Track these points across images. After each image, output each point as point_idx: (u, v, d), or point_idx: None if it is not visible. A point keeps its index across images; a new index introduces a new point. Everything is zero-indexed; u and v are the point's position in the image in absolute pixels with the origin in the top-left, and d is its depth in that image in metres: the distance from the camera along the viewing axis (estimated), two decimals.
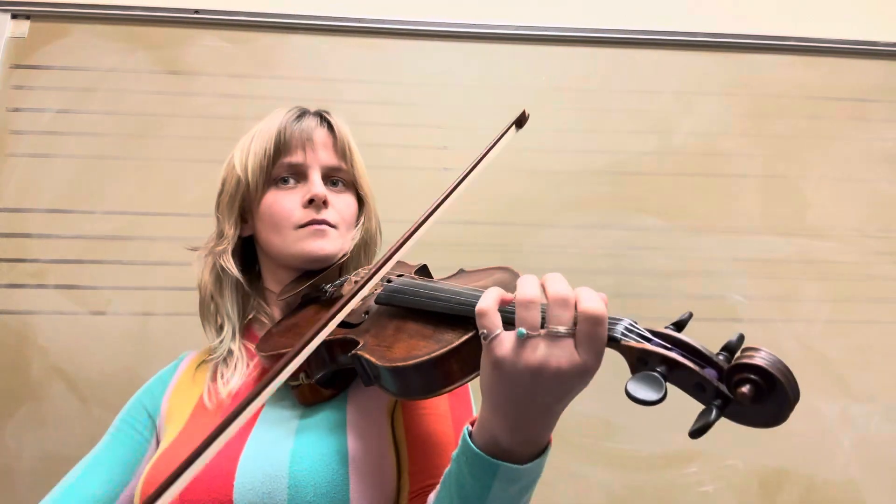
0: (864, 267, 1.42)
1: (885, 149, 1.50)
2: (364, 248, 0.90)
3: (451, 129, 1.44)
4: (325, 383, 0.72)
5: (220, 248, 0.83)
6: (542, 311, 0.49)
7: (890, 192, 1.47)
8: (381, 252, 0.92)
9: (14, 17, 1.43)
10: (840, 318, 1.39)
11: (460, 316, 0.58)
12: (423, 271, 0.82)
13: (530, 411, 0.50)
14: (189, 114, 1.41)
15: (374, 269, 0.61)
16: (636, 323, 0.49)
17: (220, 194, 0.87)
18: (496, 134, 0.72)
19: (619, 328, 0.48)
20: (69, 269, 1.32)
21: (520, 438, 0.51)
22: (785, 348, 1.36)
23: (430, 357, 0.55)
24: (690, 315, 0.51)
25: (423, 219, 0.65)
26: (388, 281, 0.73)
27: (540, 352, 0.47)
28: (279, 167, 0.82)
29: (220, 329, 0.84)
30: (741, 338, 0.46)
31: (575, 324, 0.48)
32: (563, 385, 0.48)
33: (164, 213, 1.35)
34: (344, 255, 0.85)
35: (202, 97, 1.42)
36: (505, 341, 0.49)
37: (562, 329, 0.47)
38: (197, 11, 1.45)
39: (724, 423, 0.43)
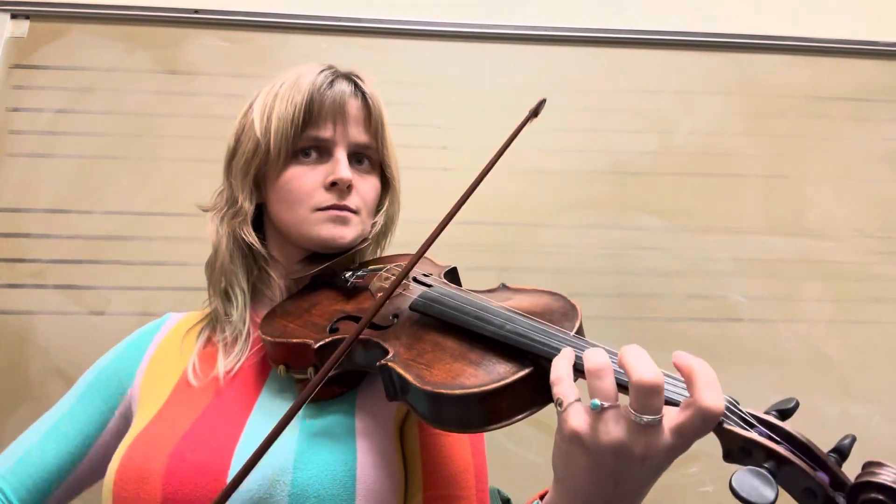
0: (864, 267, 1.42)
1: (885, 149, 1.50)
2: (384, 231, 0.83)
3: (452, 129, 1.44)
4: (332, 380, 0.66)
5: (238, 219, 0.75)
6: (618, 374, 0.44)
7: (890, 192, 1.47)
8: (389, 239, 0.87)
9: (14, 17, 1.43)
10: (840, 318, 1.39)
11: (512, 346, 0.51)
12: (453, 274, 0.75)
13: (613, 497, 0.44)
14: (189, 114, 1.41)
15: (407, 267, 0.57)
16: (737, 402, 0.43)
17: (232, 155, 0.77)
18: (516, 126, 0.71)
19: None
20: (69, 269, 1.31)
21: None
22: (785, 348, 1.36)
23: (481, 390, 0.48)
24: (797, 404, 0.44)
25: (450, 213, 0.62)
26: (419, 282, 0.67)
27: (623, 431, 0.42)
28: (304, 139, 0.73)
29: (227, 298, 0.76)
30: (853, 441, 0.41)
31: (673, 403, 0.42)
32: (649, 470, 0.43)
33: (164, 213, 1.35)
34: (364, 242, 0.78)
35: (202, 97, 1.42)
36: (580, 412, 0.43)
37: (648, 419, 0.41)
38: (197, 11, 1.45)
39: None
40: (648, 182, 1.45)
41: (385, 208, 0.82)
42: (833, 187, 1.47)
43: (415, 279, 0.69)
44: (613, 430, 0.42)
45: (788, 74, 1.53)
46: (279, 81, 0.76)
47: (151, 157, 1.38)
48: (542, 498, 0.51)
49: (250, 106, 0.77)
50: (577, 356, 0.47)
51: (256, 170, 0.75)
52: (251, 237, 0.75)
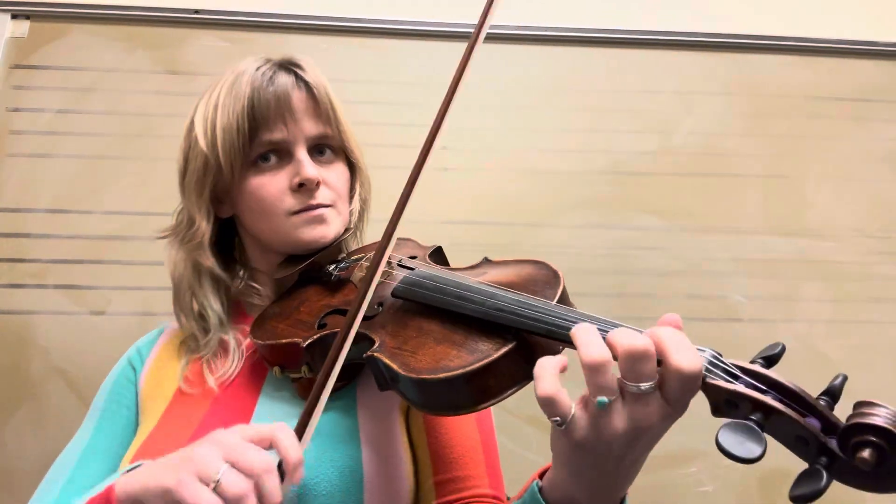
0: (864, 267, 1.42)
1: (885, 149, 1.50)
2: (359, 215, 0.82)
3: (451, 130, 1.44)
4: None
5: (194, 242, 0.73)
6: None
7: (890, 192, 1.47)
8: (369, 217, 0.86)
9: (14, 17, 1.42)
10: (840, 318, 1.39)
11: (494, 323, 0.51)
12: (438, 254, 0.74)
13: (617, 473, 0.44)
14: (189, 114, 1.41)
15: (382, 245, 0.55)
16: (720, 355, 0.43)
17: (183, 174, 0.74)
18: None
19: (703, 363, 0.41)
20: (69, 269, 1.31)
21: (601, 497, 0.46)
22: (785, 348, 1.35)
23: (465, 371, 0.47)
24: (783, 349, 0.43)
25: (436, 122, 0.60)
26: (404, 265, 0.67)
27: (625, 416, 0.41)
28: (257, 146, 0.70)
29: (202, 319, 0.74)
30: (844, 380, 0.40)
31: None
32: (653, 440, 0.43)
33: (164, 213, 1.34)
34: (347, 231, 0.77)
35: None
36: (581, 420, 0.42)
37: (647, 386, 0.40)
38: (197, 11, 1.45)
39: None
40: (648, 182, 1.45)
41: (357, 192, 0.80)
42: (833, 187, 1.47)
43: (399, 263, 0.68)
44: (618, 422, 0.41)
45: (788, 74, 1.53)
46: (217, 88, 0.72)
47: (151, 157, 1.38)
48: (541, 476, 0.51)
49: (192, 120, 0.74)
50: (563, 334, 0.46)
51: (212, 187, 0.72)
52: (209, 261, 0.73)
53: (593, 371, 0.41)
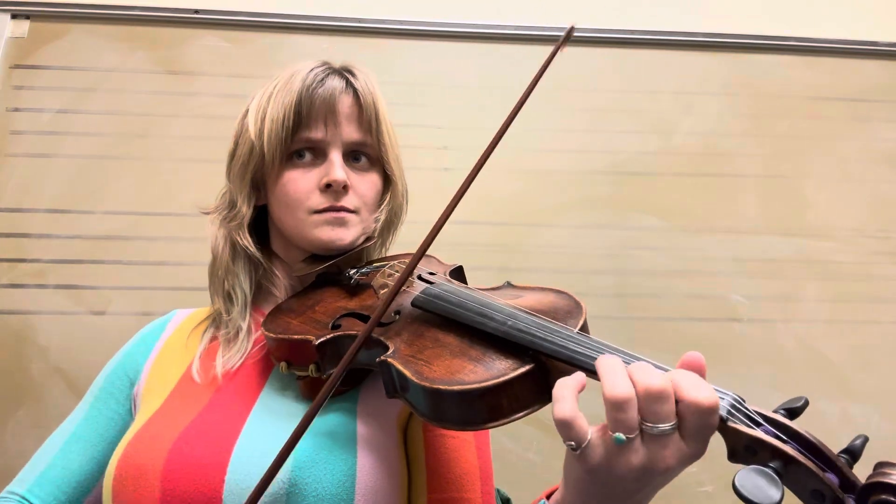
0: (864, 267, 1.42)
1: (885, 149, 1.50)
2: (388, 227, 0.82)
3: (452, 129, 1.44)
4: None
5: (235, 223, 0.76)
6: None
7: (890, 192, 1.47)
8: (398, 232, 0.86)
9: (14, 17, 1.43)
10: (840, 318, 1.39)
11: (514, 343, 0.51)
12: (458, 273, 0.75)
13: None
14: (189, 114, 1.41)
15: (412, 263, 0.56)
16: (743, 400, 0.42)
17: (231, 157, 0.78)
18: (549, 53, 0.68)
19: (725, 406, 0.41)
20: (69, 269, 1.32)
21: None
22: (785, 348, 1.36)
23: (480, 386, 0.47)
24: (806, 402, 0.43)
25: (478, 165, 0.62)
26: (424, 279, 0.67)
27: (642, 454, 0.41)
28: (297, 141, 0.72)
29: (229, 299, 0.76)
30: (864, 442, 0.40)
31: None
32: (666, 480, 0.43)
33: (164, 213, 1.35)
34: (368, 240, 0.78)
35: (202, 97, 1.42)
36: (597, 448, 0.41)
37: (665, 427, 0.40)
38: (197, 11, 1.45)
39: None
40: (648, 182, 1.45)
41: (387, 202, 0.80)
42: (833, 187, 1.47)
43: (419, 277, 0.69)
44: (634, 457, 0.41)
45: (788, 74, 1.53)
46: (274, 81, 0.75)
47: (151, 157, 1.38)
48: (548, 497, 0.51)
49: (248, 107, 0.77)
50: (586, 362, 0.46)
51: (253, 173, 0.75)
52: (245, 240, 0.76)
53: (615, 407, 0.40)
